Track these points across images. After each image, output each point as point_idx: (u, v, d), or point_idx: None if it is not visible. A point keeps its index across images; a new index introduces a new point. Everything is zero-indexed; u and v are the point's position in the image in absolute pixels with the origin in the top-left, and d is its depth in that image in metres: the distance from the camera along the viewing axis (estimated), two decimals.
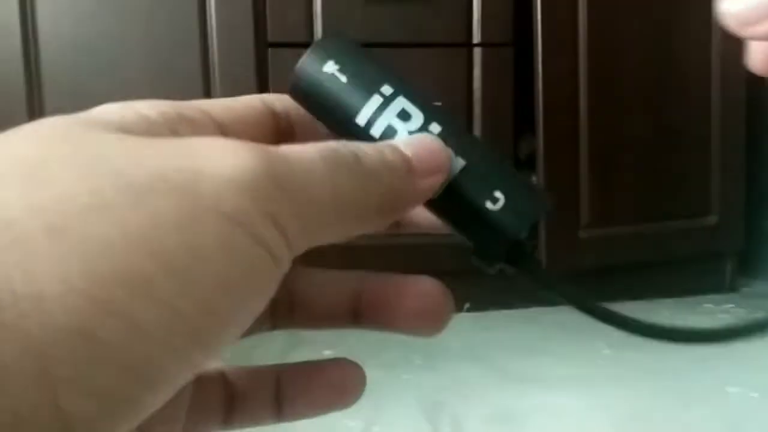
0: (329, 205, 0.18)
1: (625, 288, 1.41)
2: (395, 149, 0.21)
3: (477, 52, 1.28)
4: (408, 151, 0.21)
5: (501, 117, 1.29)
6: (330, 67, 0.23)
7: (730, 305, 1.38)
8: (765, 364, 1.10)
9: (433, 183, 0.22)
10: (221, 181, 0.16)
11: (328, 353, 1.17)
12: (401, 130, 0.23)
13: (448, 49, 1.28)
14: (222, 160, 0.16)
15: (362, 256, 1.27)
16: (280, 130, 0.24)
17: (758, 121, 1.47)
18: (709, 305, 1.39)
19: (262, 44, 1.23)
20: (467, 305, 1.37)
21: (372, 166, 0.20)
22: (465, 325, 1.32)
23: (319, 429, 0.92)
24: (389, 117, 0.23)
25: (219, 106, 0.22)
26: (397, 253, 1.30)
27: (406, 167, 0.21)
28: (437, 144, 0.22)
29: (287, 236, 0.17)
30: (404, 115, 0.23)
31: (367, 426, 0.92)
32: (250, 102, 0.23)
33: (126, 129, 0.18)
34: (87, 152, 0.16)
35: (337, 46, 0.24)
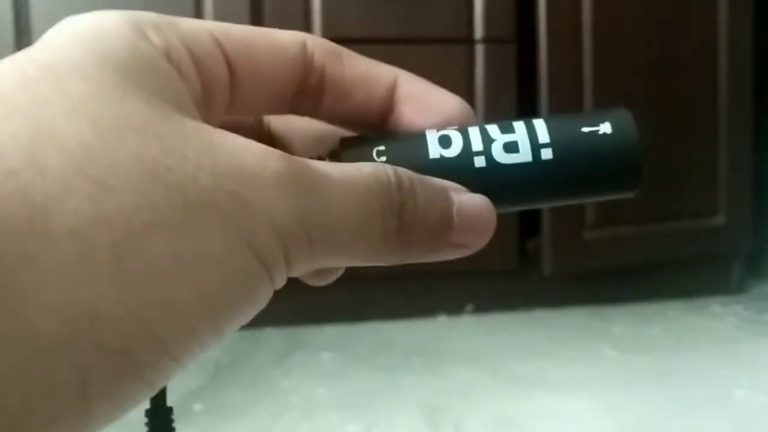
0: (349, 243, 0.19)
1: (630, 290, 1.40)
2: (445, 212, 0.20)
3: (479, 49, 1.26)
4: (457, 218, 0.21)
5: (503, 115, 1.27)
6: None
7: (738, 307, 1.37)
8: None
9: (461, 253, 0.21)
10: (261, 217, 0.17)
11: (326, 356, 1.16)
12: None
13: (449, 46, 1.27)
14: (265, 190, 0.17)
15: None
16: (306, 88, 0.22)
17: (766, 119, 1.45)
18: (717, 307, 1.37)
19: None
20: (470, 307, 1.35)
21: (412, 221, 0.20)
22: (467, 328, 1.31)
23: None
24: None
25: (239, 44, 0.20)
26: None
27: (445, 234, 0.20)
28: (489, 220, 0.21)
29: (292, 266, 0.18)
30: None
31: (366, 430, 0.91)
32: (284, 45, 0.21)
33: (154, 84, 0.18)
34: (148, 152, 0.16)
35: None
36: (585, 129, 0.22)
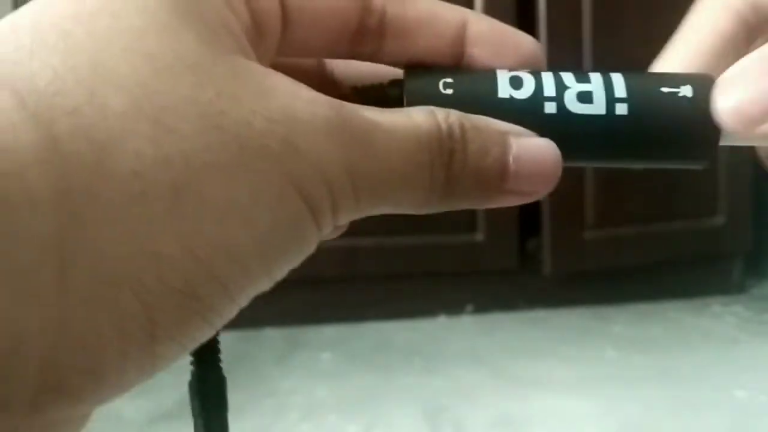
0: (393, 193, 0.19)
1: (631, 290, 1.39)
2: (499, 159, 0.19)
3: None
4: (515, 164, 0.20)
5: None
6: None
7: (738, 307, 1.37)
8: None
9: (521, 200, 0.20)
10: (310, 164, 0.17)
11: (326, 356, 1.16)
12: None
13: None
14: (314, 137, 0.17)
15: (362, 256, 1.26)
16: (366, 29, 0.21)
17: None
18: (717, 307, 1.37)
19: None
20: (470, 307, 1.35)
21: (461, 171, 0.19)
22: (467, 327, 1.31)
23: None
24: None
25: None
26: (397, 254, 1.28)
27: (498, 182, 0.20)
28: (552, 167, 0.20)
29: (338, 214, 0.18)
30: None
31: (366, 430, 0.91)
32: None
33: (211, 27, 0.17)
34: (203, 94, 0.16)
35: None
36: (664, 89, 0.21)
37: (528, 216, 1.31)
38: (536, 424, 0.92)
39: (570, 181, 1.29)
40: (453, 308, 1.35)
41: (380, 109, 0.19)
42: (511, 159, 0.19)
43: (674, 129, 0.21)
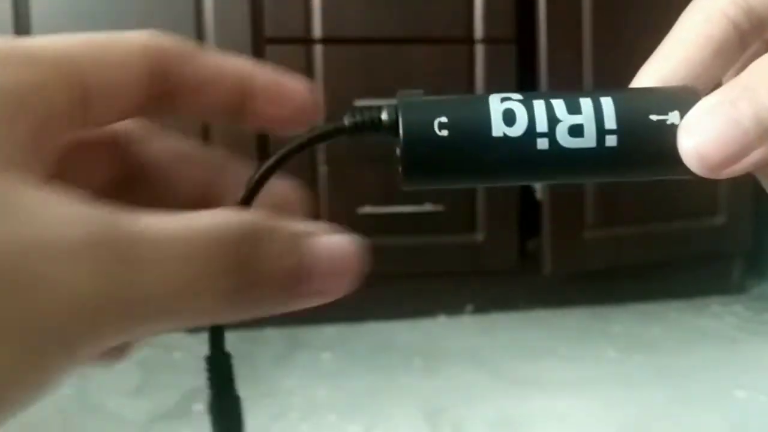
0: (171, 309, 0.17)
1: (631, 290, 1.39)
2: (297, 264, 0.18)
3: (479, 49, 1.26)
4: (314, 266, 0.19)
5: None
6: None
7: (738, 307, 1.37)
8: None
9: (321, 300, 0.19)
10: (56, 295, 0.15)
11: (326, 356, 1.16)
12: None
13: (449, 46, 1.26)
14: (63, 263, 0.15)
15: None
16: (156, 92, 0.21)
17: None
18: (717, 307, 1.37)
19: (260, 40, 1.21)
20: (470, 307, 1.35)
21: (256, 279, 0.18)
22: (467, 328, 1.31)
23: None
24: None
25: (80, 59, 0.19)
26: (397, 254, 1.28)
27: (296, 286, 0.19)
28: (349, 265, 0.19)
29: (100, 340, 0.16)
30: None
31: (366, 430, 0.91)
32: (130, 52, 0.20)
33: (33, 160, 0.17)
34: None
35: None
36: (653, 117, 0.22)
37: (528, 216, 1.31)
38: (536, 424, 0.92)
39: None
40: (453, 308, 1.35)
41: (166, 214, 0.17)
42: (308, 262, 0.19)
43: (661, 155, 0.22)
